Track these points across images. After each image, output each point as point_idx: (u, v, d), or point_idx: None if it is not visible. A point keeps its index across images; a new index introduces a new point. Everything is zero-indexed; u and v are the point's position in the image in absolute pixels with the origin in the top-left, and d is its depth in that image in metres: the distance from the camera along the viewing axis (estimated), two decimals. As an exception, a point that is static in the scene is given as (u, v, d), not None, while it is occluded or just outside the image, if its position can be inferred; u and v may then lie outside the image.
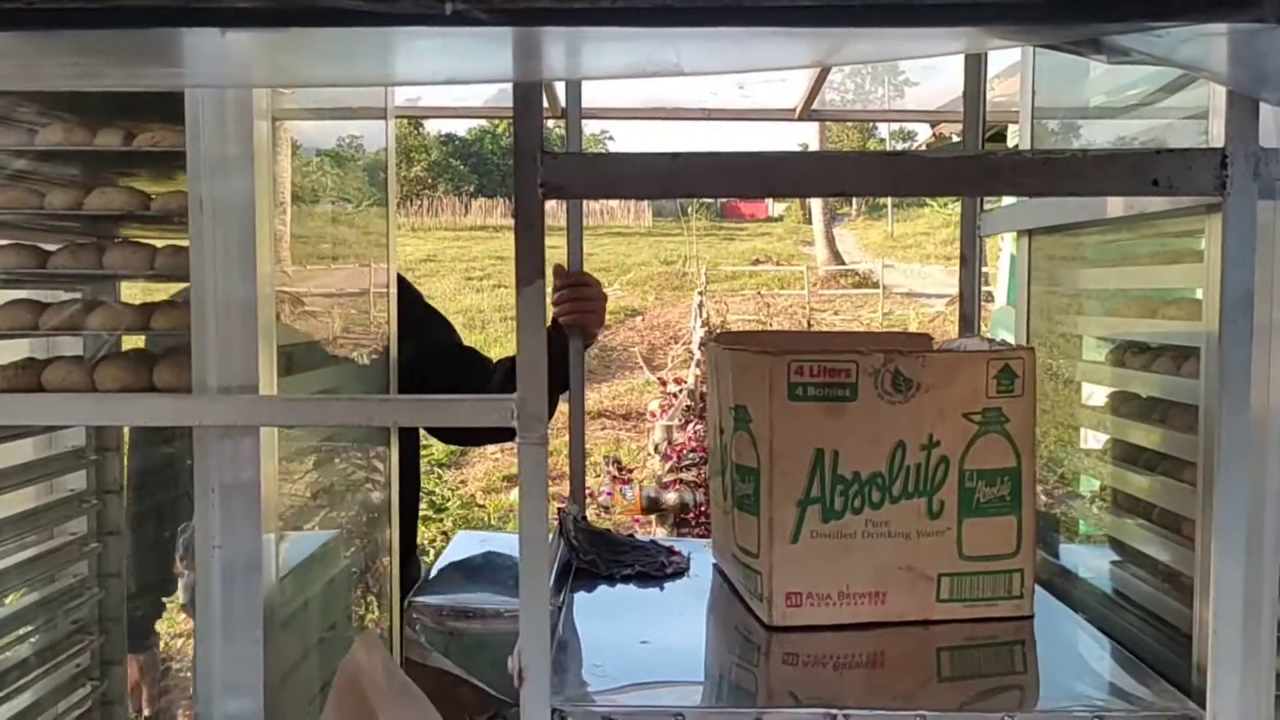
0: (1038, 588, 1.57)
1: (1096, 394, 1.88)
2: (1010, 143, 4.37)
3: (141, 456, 2.25)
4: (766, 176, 1.12)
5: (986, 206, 2.12)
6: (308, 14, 0.96)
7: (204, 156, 1.35)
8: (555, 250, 2.11)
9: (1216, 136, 1.22)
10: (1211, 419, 1.29)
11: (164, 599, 2.30)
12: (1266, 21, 0.94)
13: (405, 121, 27.98)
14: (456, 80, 1.13)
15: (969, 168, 1.12)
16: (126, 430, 2.09)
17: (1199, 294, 1.39)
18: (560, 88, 2.60)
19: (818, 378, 1.46)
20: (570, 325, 2.05)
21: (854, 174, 1.13)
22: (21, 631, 1.90)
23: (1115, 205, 1.52)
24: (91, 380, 1.49)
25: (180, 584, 1.85)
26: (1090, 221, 1.70)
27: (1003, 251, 6.97)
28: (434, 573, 1.99)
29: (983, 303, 2.15)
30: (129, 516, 2.16)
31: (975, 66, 2.00)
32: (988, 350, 1.56)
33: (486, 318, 16.46)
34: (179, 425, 1.67)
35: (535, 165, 1.14)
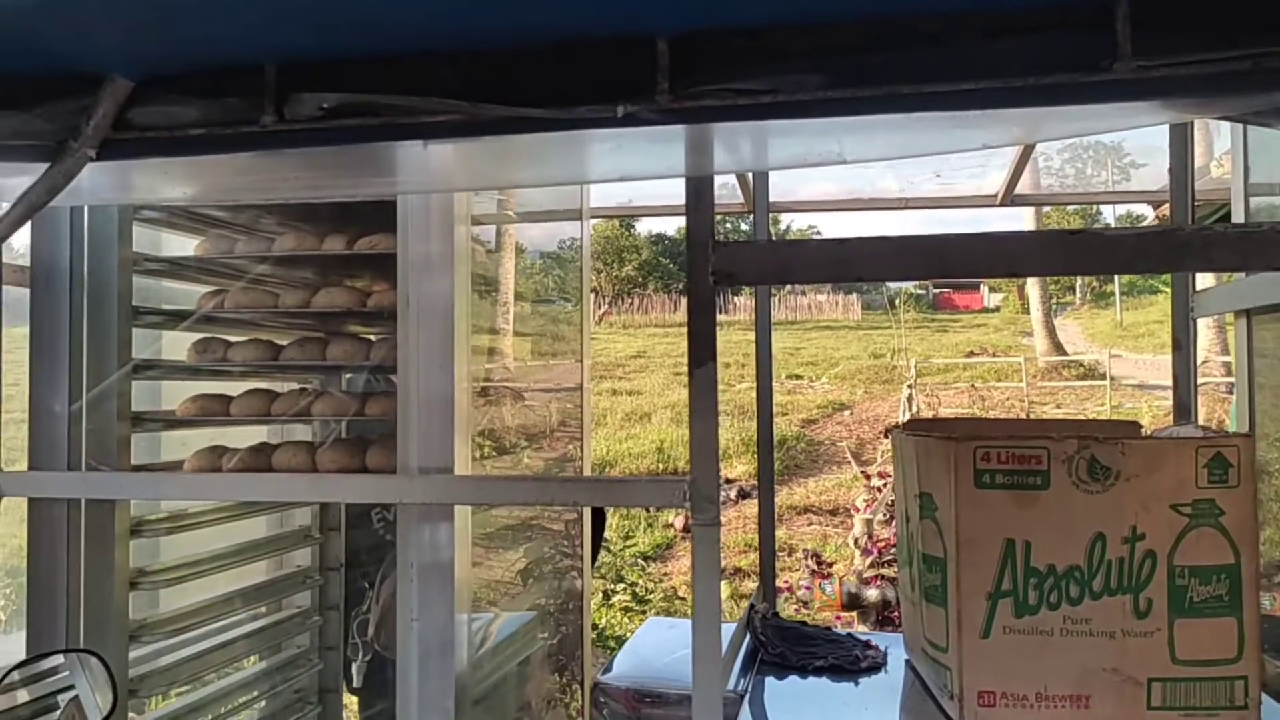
0: (1269, 699, 1.42)
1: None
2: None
3: (358, 536, 2.41)
4: (936, 258, 1.11)
5: (1202, 286, 1.99)
6: (494, 124, 1.06)
7: (411, 258, 1.47)
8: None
9: None
10: None
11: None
12: None
13: (617, 223, 29.06)
14: (631, 177, 1.20)
15: (1155, 244, 1.07)
16: (343, 509, 2.26)
17: None
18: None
19: (1006, 464, 1.41)
20: None
21: (1029, 254, 1.11)
22: (248, 697, 2.06)
23: (1338, 280, 1.40)
24: (314, 463, 1.64)
25: (353, 668, 1.95)
26: (1315, 299, 1.57)
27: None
28: (623, 655, 2.01)
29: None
30: (347, 593, 2.31)
31: (1181, 143, 1.91)
32: (1198, 437, 1.45)
33: (694, 411, 16.54)
34: (381, 502, 1.79)
35: (707, 254, 1.18)
